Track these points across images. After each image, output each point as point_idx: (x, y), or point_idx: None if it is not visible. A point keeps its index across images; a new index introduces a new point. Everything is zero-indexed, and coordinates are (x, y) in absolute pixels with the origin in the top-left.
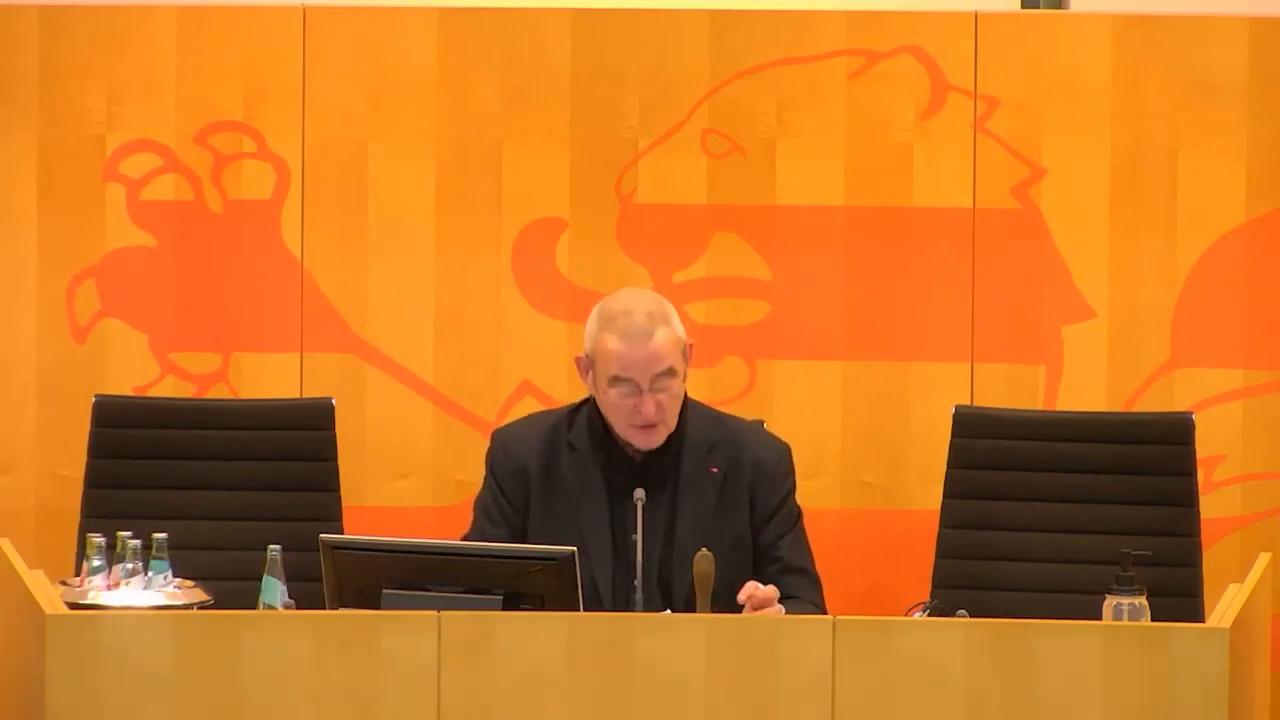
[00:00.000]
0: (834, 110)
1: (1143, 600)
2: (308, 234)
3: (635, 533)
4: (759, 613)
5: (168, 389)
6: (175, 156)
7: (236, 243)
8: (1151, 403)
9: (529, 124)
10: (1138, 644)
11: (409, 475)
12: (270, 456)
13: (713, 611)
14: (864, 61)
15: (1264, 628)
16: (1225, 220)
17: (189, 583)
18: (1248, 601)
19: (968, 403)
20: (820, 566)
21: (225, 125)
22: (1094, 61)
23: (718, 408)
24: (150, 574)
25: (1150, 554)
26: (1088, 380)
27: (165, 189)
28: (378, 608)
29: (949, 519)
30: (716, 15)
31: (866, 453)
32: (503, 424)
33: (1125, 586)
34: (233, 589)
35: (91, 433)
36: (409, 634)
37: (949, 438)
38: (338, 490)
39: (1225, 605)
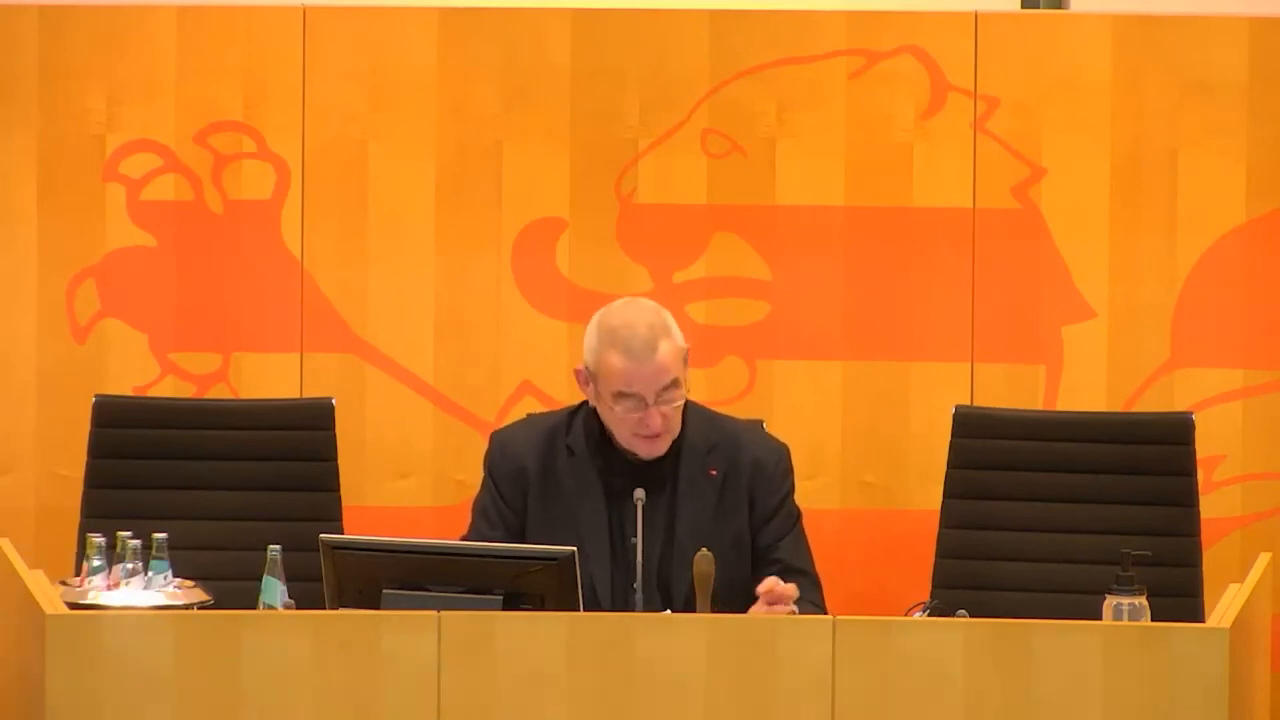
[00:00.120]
0: (834, 110)
1: (1143, 600)
2: (308, 234)
3: (634, 534)
4: (761, 612)
5: (168, 389)
6: (175, 156)
7: (236, 243)
8: (1151, 403)
9: (529, 124)
10: (1138, 644)
11: (409, 475)
12: (270, 456)
13: (713, 612)
14: (864, 61)
15: (1264, 628)
16: (1225, 220)
17: (189, 583)
18: (1248, 601)
19: (968, 403)
20: (820, 566)
21: (225, 125)
22: (1094, 61)
23: (718, 407)
24: (150, 574)
25: (1150, 554)
26: (1088, 380)
27: (165, 189)
28: (378, 608)
29: (949, 519)
30: (716, 15)
31: (866, 453)
32: (501, 425)
33: (1125, 586)
34: (233, 589)
35: (91, 433)
36: (409, 634)
37: (949, 438)
38: (338, 490)
39: (1225, 605)
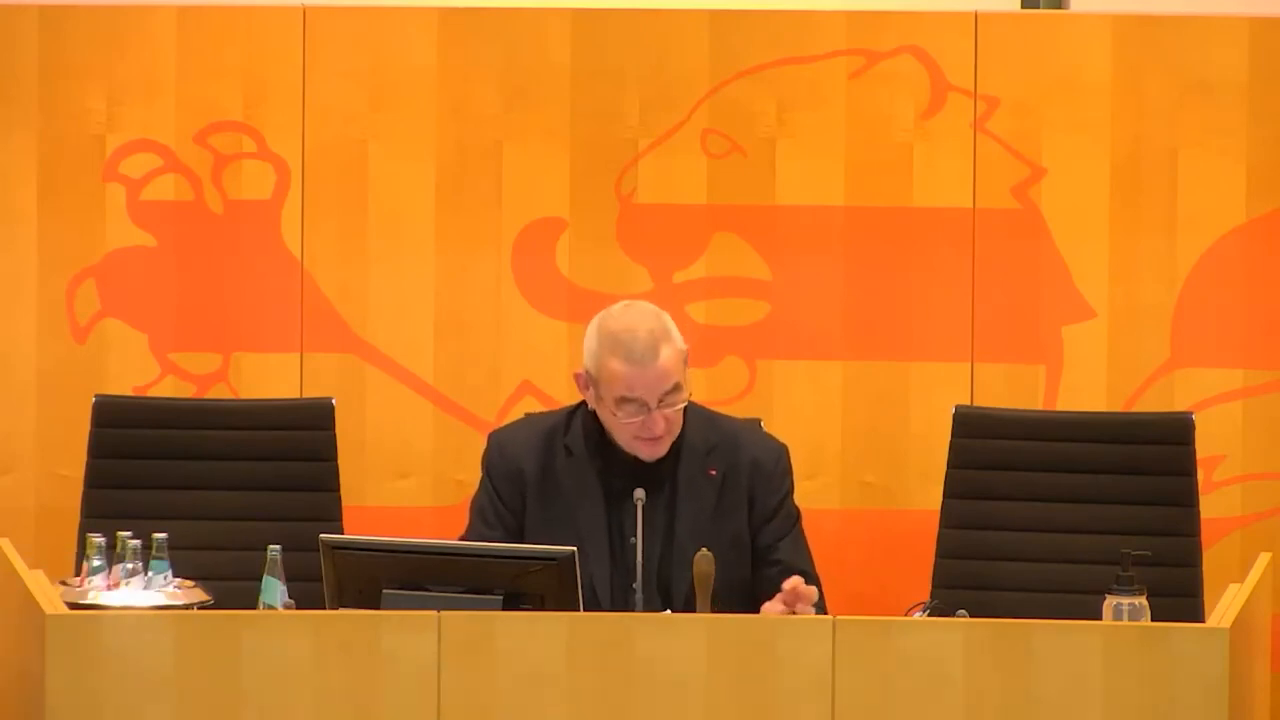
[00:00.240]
0: (834, 110)
1: (1143, 600)
2: (308, 234)
3: (634, 534)
4: (775, 610)
5: (168, 389)
6: (175, 156)
7: (236, 243)
8: (1151, 403)
9: (529, 124)
10: (1138, 644)
11: (409, 475)
12: (270, 456)
13: (713, 612)
14: (864, 61)
15: (1264, 628)
16: (1225, 220)
17: (189, 583)
18: (1248, 601)
19: (968, 403)
20: (820, 566)
21: (225, 125)
22: (1094, 61)
23: (718, 408)
24: (150, 574)
25: (1150, 554)
26: (1088, 380)
27: (165, 189)
28: (378, 608)
29: (949, 519)
30: (716, 15)
31: (866, 453)
32: (499, 425)
33: (1125, 586)
34: (233, 589)
35: (91, 433)
36: (409, 634)
37: (949, 438)
38: (338, 490)
39: (1225, 605)
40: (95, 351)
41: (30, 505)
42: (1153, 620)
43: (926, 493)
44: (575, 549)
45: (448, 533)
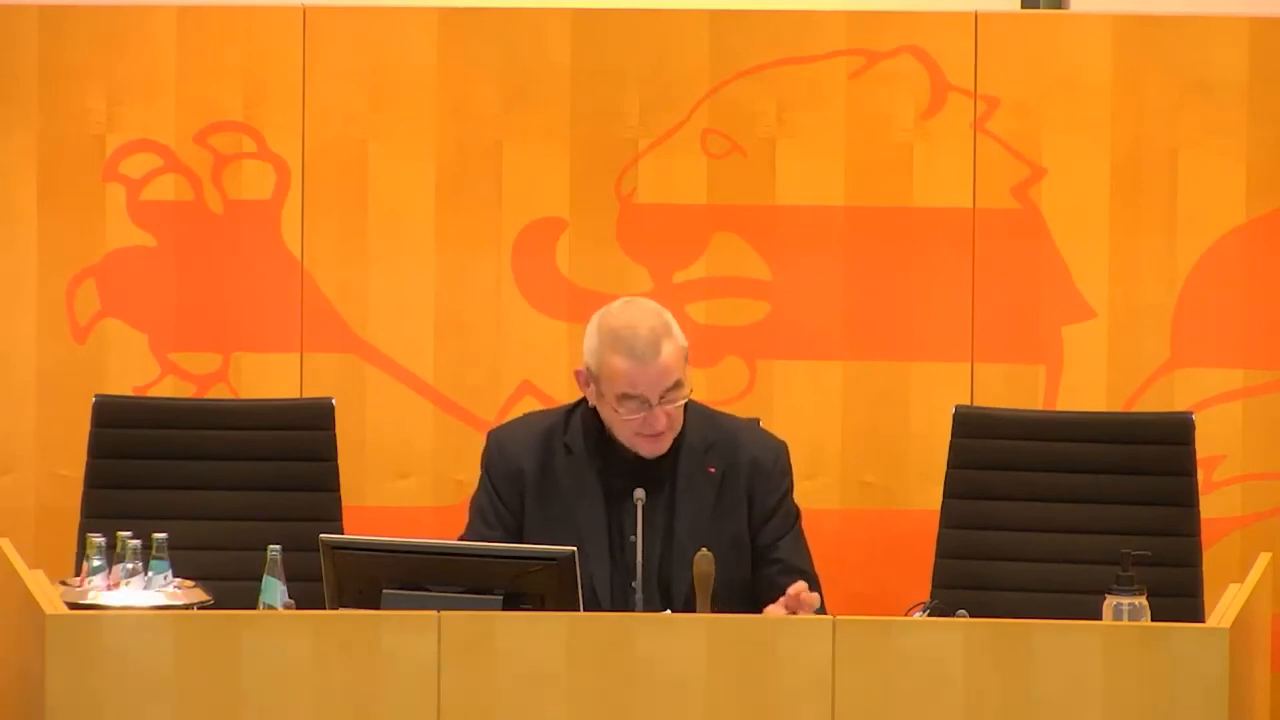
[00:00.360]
0: (834, 110)
1: (1143, 600)
2: (308, 234)
3: (634, 534)
4: (774, 613)
5: (168, 389)
6: (175, 156)
7: (236, 243)
8: (1151, 403)
9: (529, 124)
10: (1138, 644)
11: (409, 475)
12: (270, 456)
13: (713, 611)
14: (864, 61)
15: (1264, 628)
16: (1225, 220)
17: (189, 583)
18: (1248, 601)
19: (968, 403)
20: (820, 566)
21: (225, 125)
22: (1094, 61)
23: (718, 407)
24: (150, 574)
25: (1150, 554)
26: (1088, 380)
27: (165, 189)
28: (378, 608)
29: (949, 519)
30: (716, 15)
31: (866, 453)
32: (498, 425)
33: (1125, 586)
34: (233, 589)
35: (91, 433)
36: (409, 634)
37: (949, 438)
38: (338, 490)
39: (1225, 605)
40: (95, 351)
41: (30, 505)
42: (1153, 620)
43: (926, 493)
44: (575, 549)
45: (448, 533)
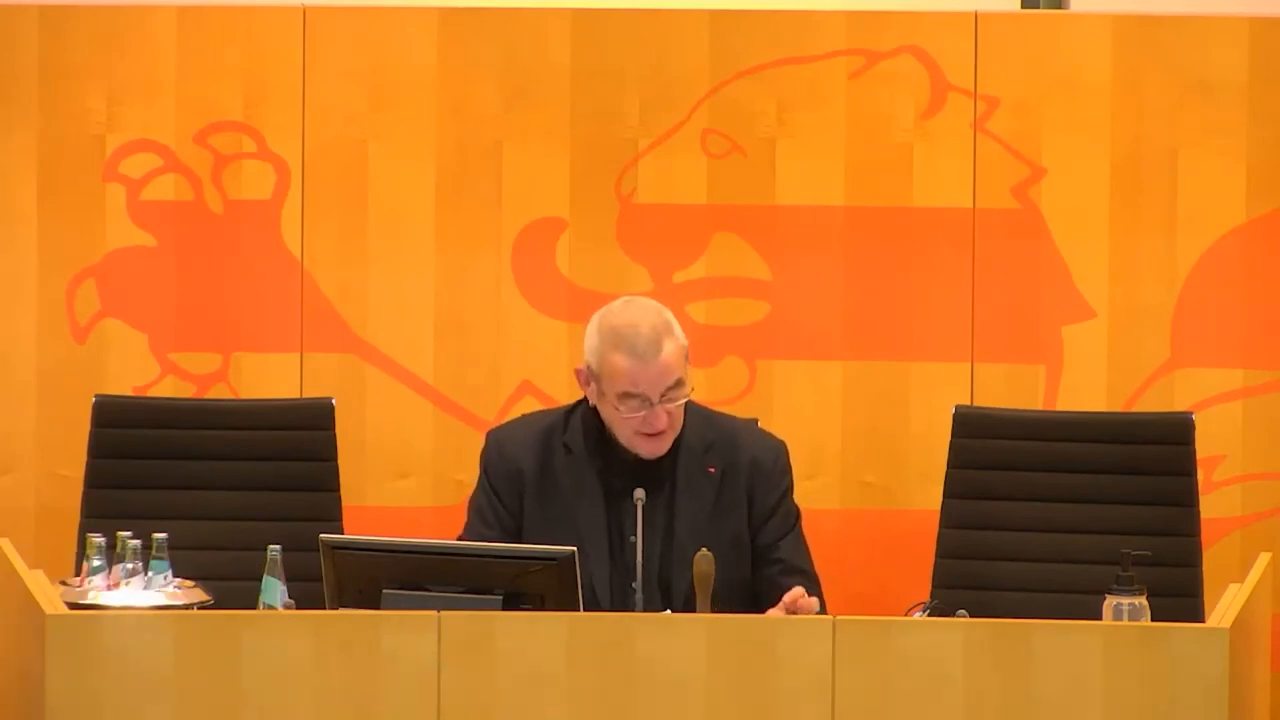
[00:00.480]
0: (834, 110)
1: (1143, 600)
2: (308, 234)
3: (634, 534)
4: (769, 612)
5: (168, 389)
6: (175, 156)
7: (236, 243)
8: (1151, 403)
9: (529, 124)
10: (1138, 644)
11: (409, 475)
12: (270, 456)
13: (713, 611)
14: (864, 61)
15: (1264, 628)
16: (1225, 220)
17: (189, 583)
18: (1248, 601)
19: (968, 403)
20: (820, 566)
21: (225, 125)
22: (1094, 61)
23: (718, 407)
24: (150, 574)
25: (1150, 554)
26: (1088, 380)
27: (165, 189)
28: (378, 608)
29: (949, 519)
30: (716, 15)
31: (866, 453)
32: (497, 424)
33: (1125, 586)
34: (233, 589)
35: (91, 433)
36: (409, 634)
37: (949, 438)
38: (338, 490)
39: (1225, 605)
40: (95, 351)
41: (30, 505)
42: (1153, 620)
43: (926, 493)
44: (575, 549)
45: (448, 533)
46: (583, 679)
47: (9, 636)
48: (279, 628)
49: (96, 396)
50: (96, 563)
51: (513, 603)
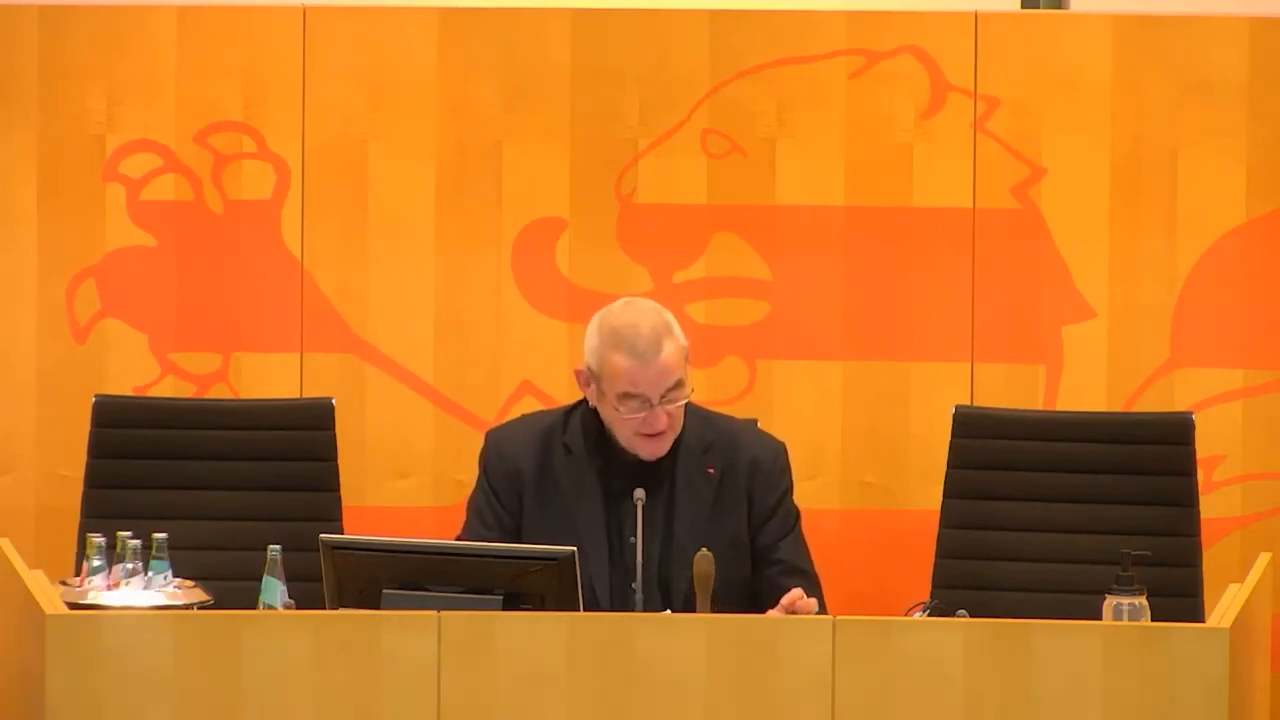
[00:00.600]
0: (834, 110)
1: (1143, 600)
2: (308, 234)
3: (633, 534)
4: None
5: (168, 389)
6: (175, 156)
7: (236, 243)
8: (1151, 403)
9: (529, 124)
10: (1138, 644)
11: (409, 475)
12: (270, 456)
13: (712, 611)
14: (864, 61)
15: (1264, 628)
16: (1225, 220)
17: (189, 583)
18: (1248, 601)
19: (968, 403)
20: (820, 566)
21: (225, 125)
22: (1094, 61)
23: (718, 408)
24: (150, 574)
25: (1150, 554)
26: (1088, 380)
27: (165, 189)
28: (378, 608)
29: (949, 519)
30: (716, 15)
31: (866, 453)
32: (497, 425)
33: (1125, 586)
34: (233, 589)
35: (91, 433)
36: (409, 634)
37: (949, 438)
38: (338, 490)
39: (1225, 605)
40: (95, 351)
41: (30, 505)
42: (1153, 620)
43: (926, 493)
44: (575, 549)
45: (447, 533)
46: (583, 679)
47: (9, 636)
48: (279, 628)
49: (96, 396)
50: (96, 563)
51: (513, 603)
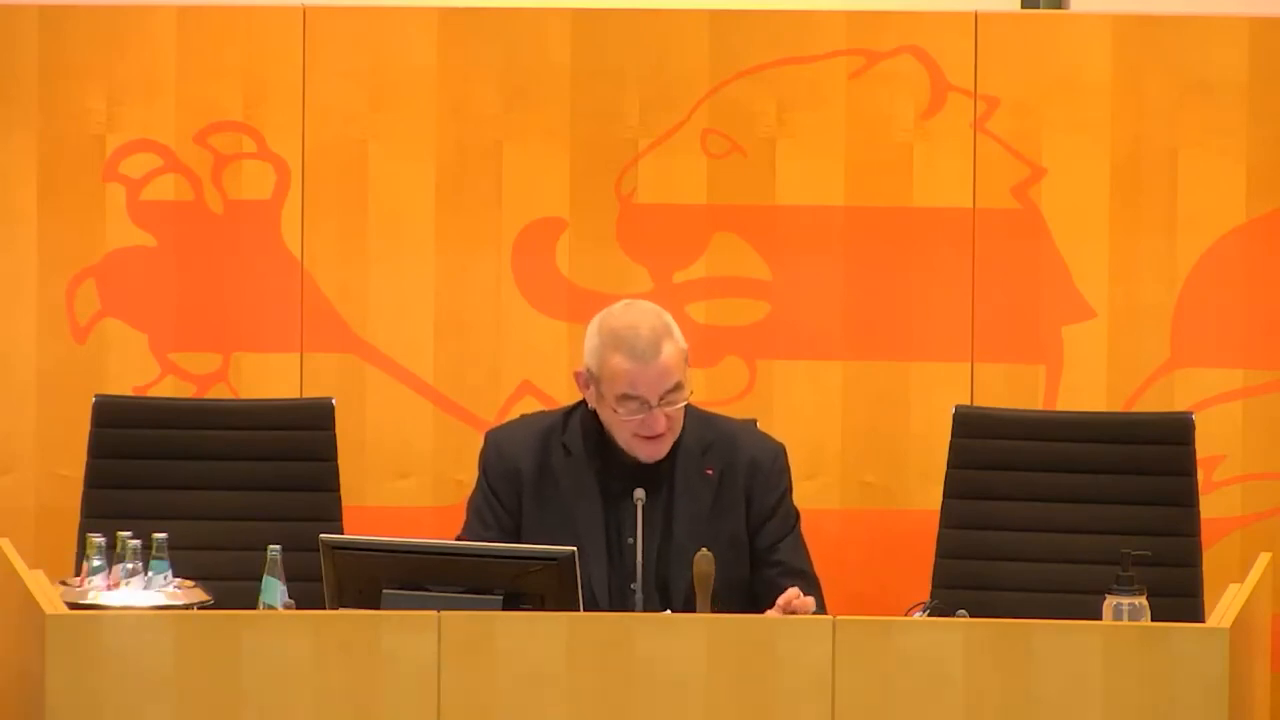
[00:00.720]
0: (834, 110)
1: (1143, 600)
2: (308, 234)
3: (632, 535)
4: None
5: (168, 389)
6: (175, 156)
7: (236, 243)
8: (1151, 403)
9: (529, 124)
10: (1138, 644)
11: (409, 475)
12: (270, 456)
13: (712, 611)
14: (864, 61)
15: (1264, 628)
16: (1225, 220)
17: (189, 583)
18: (1248, 601)
19: (968, 403)
20: (820, 566)
21: (225, 125)
22: (1094, 61)
23: (718, 407)
24: (150, 574)
25: (1150, 554)
26: (1088, 380)
27: (165, 189)
28: (378, 608)
29: (949, 519)
30: (716, 15)
31: (866, 453)
32: (496, 425)
33: (1125, 586)
34: (233, 589)
35: (91, 433)
36: (409, 634)
37: (949, 438)
38: (338, 490)
39: (1225, 605)
40: (95, 351)
41: (30, 505)
42: (1153, 620)
43: (926, 493)
44: (575, 549)
45: (447, 533)
46: (583, 679)
47: (9, 636)
48: (279, 628)
49: (96, 396)
50: (96, 563)
51: (513, 603)
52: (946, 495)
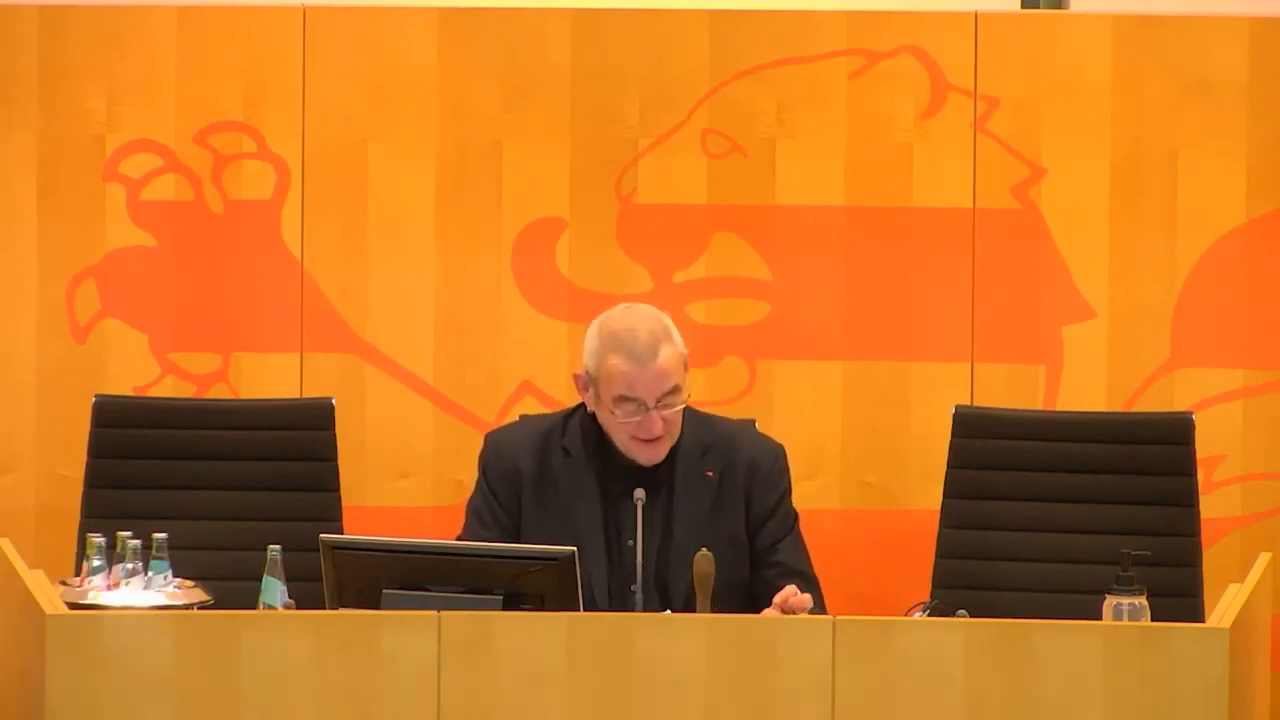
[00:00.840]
0: (834, 110)
1: (1143, 600)
2: (308, 234)
3: (632, 536)
4: (763, 613)
5: (168, 389)
6: (175, 156)
7: (236, 243)
8: (1151, 403)
9: (529, 124)
10: (1138, 644)
11: (409, 475)
12: (270, 456)
13: (712, 612)
14: (864, 61)
15: (1264, 628)
16: (1225, 220)
17: (189, 583)
18: (1248, 601)
19: (968, 403)
20: (820, 567)
21: (225, 125)
22: (1094, 61)
23: (718, 408)
24: (150, 574)
25: (1150, 554)
26: (1088, 380)
27: (165, 189)
28: (378, 608)
29: (949, 519)
30: (716, 15)
31: (866, 453)
32: (497, 426)
33: (1125, 586)
34: (233, 589)
35: (91, 433)
36: (409, 634)
37: (949, 438)
38: (338, 490)
39: (1225, 605)
40: (95, 351)
41: (30, 505)
42: (1153, 620)
43: (926, 493)
44: (575, 549)
45: (447, 533)
46: (583, 679)
47: (9, 636)
48: (279, 628)
49: (96, 396)
50: (96, 563)
51: (513, 603)
52: (946, 495)
